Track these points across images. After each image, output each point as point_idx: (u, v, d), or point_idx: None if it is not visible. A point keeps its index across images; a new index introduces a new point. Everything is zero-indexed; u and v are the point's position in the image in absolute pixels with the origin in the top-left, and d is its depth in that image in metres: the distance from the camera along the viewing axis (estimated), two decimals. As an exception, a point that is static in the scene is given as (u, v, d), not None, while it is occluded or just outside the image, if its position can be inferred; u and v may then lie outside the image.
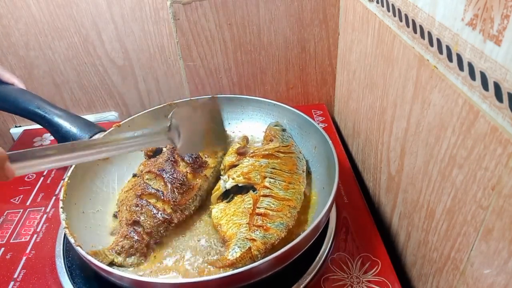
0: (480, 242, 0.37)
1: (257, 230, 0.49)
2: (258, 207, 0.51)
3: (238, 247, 0.47)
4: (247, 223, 0.50)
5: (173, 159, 0.59)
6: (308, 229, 0.46)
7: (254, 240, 0.47)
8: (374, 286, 0.50)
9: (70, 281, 0.51)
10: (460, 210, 0.40)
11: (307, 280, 0.50)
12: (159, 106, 0.70)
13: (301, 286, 0.49)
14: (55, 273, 0.53)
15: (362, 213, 0.61)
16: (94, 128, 0.64)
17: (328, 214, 0.51)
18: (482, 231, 0.36)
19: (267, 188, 0.54)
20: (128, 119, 0.67)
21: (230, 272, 0.42)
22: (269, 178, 0.55)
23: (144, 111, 0.69)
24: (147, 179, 0.57)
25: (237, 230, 0.49)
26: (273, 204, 0.52)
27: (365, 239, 0.56)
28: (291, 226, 0.51)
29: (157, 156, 0.62)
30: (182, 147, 0.52)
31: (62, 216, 0.50)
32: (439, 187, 0.43)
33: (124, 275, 0.43)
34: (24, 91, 0.66)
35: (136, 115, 0.68)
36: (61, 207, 0.51)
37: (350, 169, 0.69)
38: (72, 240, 0.47)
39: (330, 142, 0.58)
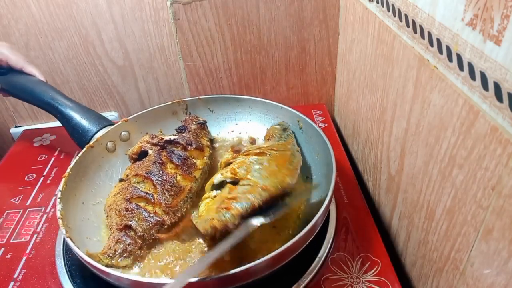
0: (480, 242, 0.37)
1: (222, 211, 0.48)
2: (230, 193, 0.51)
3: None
4: (216, 207, 0.49)
5: (160, 161, 0.58)
6: (303, 231, 0.45)
7: (212, 219, 0.47)
8: (374, 286, 0.50)
9: (70, 281, 0.51)
10: (460, 210, 0.40)
11: (307, 280, 0.50)
12: (167, 103, 0.70)
13: (301, 286, 0.49)
14: (55, 273, 0.53)
15: (362, 213, 0.61)
16: (103, 121, 0.65)
17: (323, 218, 0.50)
18: (482, 231, 0.36)
19: (249, 179, 0.53)
20: (135, 115, 0.67)
21: (228, 272, 0.42)
22: (254, 172, 0.54)
23: (151, 108, 0.69)
24: (134, 182, 0.57)
25: (206, 214, 0.49)
26: (245, 188, 0.51)
27: (365, 239, 0.56)
28: (256, 205, 0.49)
29: (143, 159, 0.61)
30: None
31: (58, 206, 0.50)
32: (439, 187, 0.43)
33: (121, 275, 0.43)
34: (41, 83, 0.68)
35: (144, 111, 0.68)
36: (59, 198, 0.51)
37: (350, 169, 0.69)
38: (63, 231, 0.47)
39: (331, 149, 0.57)
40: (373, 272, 0.52)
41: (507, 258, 0.33)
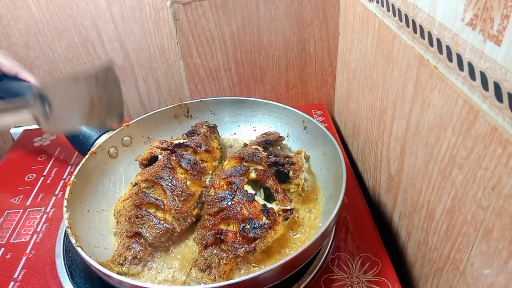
0: (480, 242, 0.37)
1: None
2: None
3: None
4: None
5: (170, 166, 0.57)
6: (304, 245, 0.45)
7: None
8: (374, 286, 0.50)
9: (70, 281, 0.51)
10: (460, 210, 0.40)
11: (307, 280, 0.50)
12: (169, 107, 0.70)
13: (301, 286, 0.49)
14: (55, 273, 0.53)
15: (362, 213, 0.61)
16: (104, 126, 0.65)
17: (333, 226, 0.51)
18: (482, 231, 0.36)
19: None
20: (136, 119, 0.67)
21: (234, 280, 0.42)
22: None
23: (152, 112, 0.69)
24: (144, 187, 0.56)
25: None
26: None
27: (365, 239, 0.56)
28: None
29: (153, 165, 0.60)
30: (52, 125, 0.47)
31: (66, 215, 0.50)
32: (439, 187, 0.43)
33: (123, 279, 0.43)
34: None
35: (145, 115, 0.68)
36: (65, 206, 0.51)
37: (350, 169, 0.69)
38: (73, 240, 0.47)
39: (340, 151, 0.57)
40: (373, 272, 0.52)
41: (507, 258, 0.33)
